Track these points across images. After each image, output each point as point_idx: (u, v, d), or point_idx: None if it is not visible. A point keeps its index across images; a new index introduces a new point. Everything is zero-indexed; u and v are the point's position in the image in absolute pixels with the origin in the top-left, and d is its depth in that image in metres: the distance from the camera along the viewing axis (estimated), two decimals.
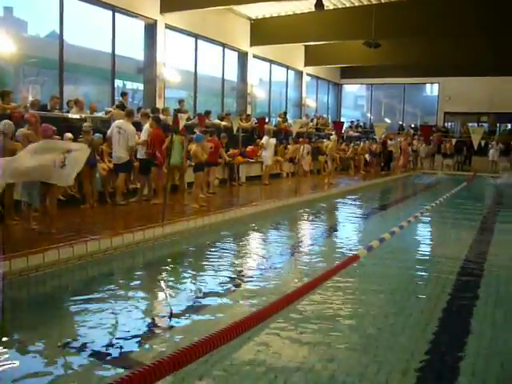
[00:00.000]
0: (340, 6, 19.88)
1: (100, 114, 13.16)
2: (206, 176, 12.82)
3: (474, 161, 25.72)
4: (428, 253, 9.08)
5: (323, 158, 19.93)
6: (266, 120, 19.50)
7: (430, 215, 12.25)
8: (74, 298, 5.84)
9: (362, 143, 23.32)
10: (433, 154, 26.04)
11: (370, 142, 23.48)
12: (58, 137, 9.18)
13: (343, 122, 20.24)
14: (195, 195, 11.16)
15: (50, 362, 4.24)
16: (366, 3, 19.43)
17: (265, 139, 15.89)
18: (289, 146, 19.28)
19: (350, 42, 22.43)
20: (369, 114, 32.64)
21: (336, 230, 11.03)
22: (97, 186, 10.62)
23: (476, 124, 28.49)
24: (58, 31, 13.96)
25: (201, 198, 11.44)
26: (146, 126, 11.43)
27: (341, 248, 8.73)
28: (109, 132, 10.94)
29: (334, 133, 22.09)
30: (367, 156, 22.99)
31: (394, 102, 32.80)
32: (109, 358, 4.33)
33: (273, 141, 16.47)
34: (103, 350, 4.46)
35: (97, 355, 4.34)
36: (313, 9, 17.21)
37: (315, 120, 25.09)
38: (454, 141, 24.56)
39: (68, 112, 12.52)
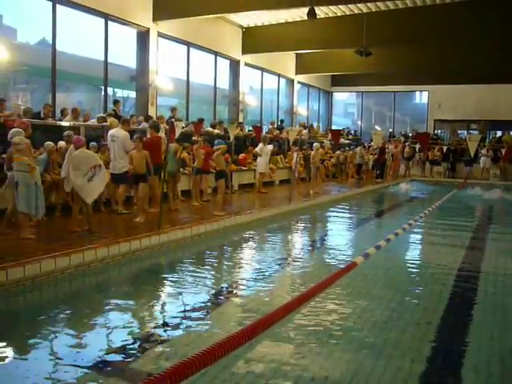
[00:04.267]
0: (331, 15, 19.97)
1: (93, 121, 13.09)
2: (200, 184, 12.80)
3: (461, 168, 25.72)
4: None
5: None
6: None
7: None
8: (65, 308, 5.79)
9: (351, 151, 23.40)
10: (423, 162, 26.16)
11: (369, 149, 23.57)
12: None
13: (340, 131, 20.24)
14: (219, 203, 11.36)
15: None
16: (357, 12, 19.53)
17: (259, 147, 15.84)
18: (290, 153, 19.25)
19: (341, 51, 22.51)
20: (359, 122, 32.74)
21: (331, 238, 11.01)
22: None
23: (466, 131, 28.67)
24: (48, 39, 13.92)
25: (194, 206, 11.41)
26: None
27: (338, 256, 8.72)
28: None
29: (325, 141, 22.28)
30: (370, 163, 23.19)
31: (384, 109, 32.94)
32: (104, 370, 4.28)
33: (269, 147, 16.41)
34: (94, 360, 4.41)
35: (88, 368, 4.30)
36: (304, 17, 17.24)
37: (308, 128, 25.12)
38: (445, 148, 24.63)
39: (61, 120, 12.44)
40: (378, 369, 4.30)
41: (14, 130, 8.26)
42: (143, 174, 10.12)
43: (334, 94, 32.47)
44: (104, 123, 12.13)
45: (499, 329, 5.38)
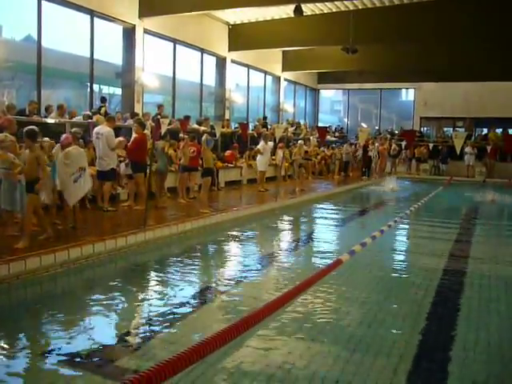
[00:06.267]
0: (318, 12, 19.99)
1: (79, 118, 13.00)
2: (187, 181, 12.78)
3: (448, 165, 25.90)
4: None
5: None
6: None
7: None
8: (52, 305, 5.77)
9: (336, 148, 23.52)
10: (410, 159, 26.38)
11: (354, 147, 23.73)
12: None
13: (326, 128, 20.25)
14: (203, 200, 11.18)
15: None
16: (343, 9, 19.55)
17: (261, 145, 15.88)
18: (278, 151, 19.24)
19: (328, 48, 22.53)
20: (346, 119, 32.84)
21: (316, 235, 11.04)
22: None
23: (452, 129, 28.86)
24: (33, 35, 13.78)
25: (181, 203, 11.39)
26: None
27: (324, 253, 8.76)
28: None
29: (311, 138, 22.32)
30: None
31: (370, 107, 33.07)
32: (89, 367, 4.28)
33: (270, 145, 16.49)
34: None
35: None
36: (291, 14, 17.26)
37: (295, 126, 25.15)
38: (431, 146, 24.77)
39: (46, 117, 12.35)
40: (364, 366, 4.34)
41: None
42: (33, 181, 7.42)
43: (321, 91, 32.54)
44: (89, 120, 12.07)
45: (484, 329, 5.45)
